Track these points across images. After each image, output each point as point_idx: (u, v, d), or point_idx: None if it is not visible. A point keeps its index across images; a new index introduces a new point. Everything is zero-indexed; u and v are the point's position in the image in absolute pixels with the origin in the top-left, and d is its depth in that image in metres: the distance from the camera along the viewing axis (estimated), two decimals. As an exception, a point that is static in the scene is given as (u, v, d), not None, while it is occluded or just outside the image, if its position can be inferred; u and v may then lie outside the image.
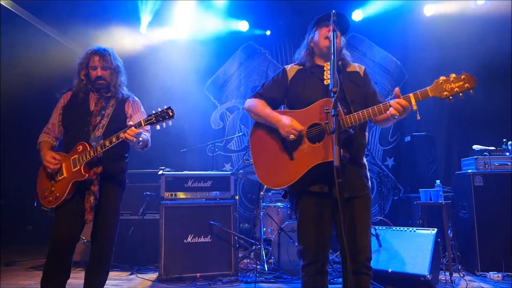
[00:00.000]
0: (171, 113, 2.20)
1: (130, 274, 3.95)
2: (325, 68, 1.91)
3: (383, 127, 5.88)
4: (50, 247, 2.27)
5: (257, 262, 4.19)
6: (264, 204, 4.45)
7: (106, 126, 2.37)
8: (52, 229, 2.29)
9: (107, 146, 2.24)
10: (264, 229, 4.35)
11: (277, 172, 1.97)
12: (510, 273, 3.69)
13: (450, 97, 1.62)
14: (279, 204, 4.48)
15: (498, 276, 3.61)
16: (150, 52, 5.88)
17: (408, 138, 5.27)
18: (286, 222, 4.02)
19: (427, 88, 1.65)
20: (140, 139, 2.26)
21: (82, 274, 2.44)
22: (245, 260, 4.29)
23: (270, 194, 4.79)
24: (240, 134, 5.93)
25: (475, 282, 3.56)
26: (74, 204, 2.31)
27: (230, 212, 3.84)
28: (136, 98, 2.62)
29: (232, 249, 3.74)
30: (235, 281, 3.59)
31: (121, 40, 5.71)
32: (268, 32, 6.32)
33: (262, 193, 4.39)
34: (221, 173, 4.09)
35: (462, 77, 1.60)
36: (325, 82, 1.88)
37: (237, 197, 4.70)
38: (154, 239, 3.79)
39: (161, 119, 2.20)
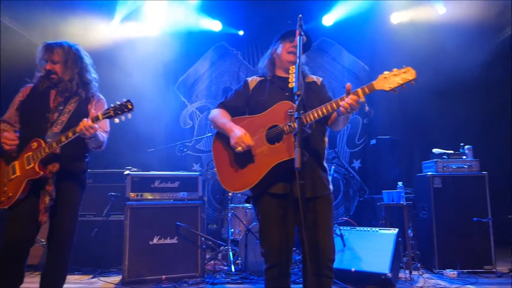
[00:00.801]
0: (130, 106, 2.15)
1: (92, 278, 3.82)
2: (290, 72, 1.95)
3: (351, 131, 6.08)
4: (2, 251, 2.15)
5: (224, 263, 4.19)
6: (232, 205, 4.45)
7: (66, 122, 2.27)
8: (3, 232, 2.16)
9: (63, 141, 2.15)
10: (232, 230, 4.34)
11: (238, 176, 1.99)
12: (464, 270, 3.90)
13: (394, 89, 1.70)
14: (248, 205, 4.49)
15: (453, 274, 3.79)
16: (120, 47, 5.71)
17: (373, 141, 5.44)
18: (254, 223, 4.04)
19: (373, 82, 1.73)
20: (96, 130, 2.17)
21: (38, 279, 2.33)
22: (212, 261, 4.26)
23: (239, 195, 4.78)
24: (210, 134, 5.88)
25: (433, 279, 3.73)
26: (28, 205, 2.19)
27: (197, 213, 3.81)
28: (102, 97, 2.53)
29: (198, 251, 3.71)
30: (201, 282, 3.56)
31: (90, 33, 5.50)
32: (241, 32, 6.32)
33: (230, 194, 4.38)
34: (189, 173, 4.05)
35: (403, 70, 1.69)
36: (290, 85, 1.92)
37: (205, 198, 4.67)
38: (119, 241, 3.69)
39: (119, 112, 2.14)
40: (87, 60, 2.47)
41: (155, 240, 3.61)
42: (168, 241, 3.66)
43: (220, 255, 4.37)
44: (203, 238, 3.77)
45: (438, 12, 5.51)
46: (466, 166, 4.16)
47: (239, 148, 1.93)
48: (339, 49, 6.29)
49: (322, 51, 6.27)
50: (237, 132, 1.96)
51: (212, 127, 2.20)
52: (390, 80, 1.69)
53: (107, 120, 2.29)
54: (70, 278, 3.79)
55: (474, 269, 3.92)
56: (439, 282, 3.62)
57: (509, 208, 4.14)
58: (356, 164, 6.04)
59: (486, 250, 3.96)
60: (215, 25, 6.16)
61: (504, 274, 3.84)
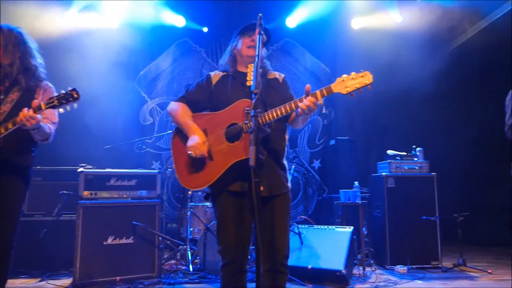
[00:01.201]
0: (76, 95, 2.03)
1: (40, 281, 3.61)
2: (248, 70, 1.96)
3: (312, 131, 6.21)
4: None
5: (182, 263, 4.12)
6: (192, 203, 4.39)
7: (8, 113, 2.11)
8: None
9: (2, 133, 2.01)
10: (191, 229, 4.28)
11: (197, 173, 1.97)
12: (414, 266, 4.11)
13: (351, 93, 1.74)
14: (208, 203, 4.44)
15: (403, 269, 3.99)
16: (77, 37, 5.43)
17: (333, 142, 5.59)
18: (213, 222, 4.00)
19: (331, 85, 1.77)
20: (39, 121, 2.02)
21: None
22: (170, 261, 4.18)
23: (200, 193, 4.73)
24: (170, 131, 5.75)
25: (384, 275, 3.90)
26: None
27: (155, 212, 3.72)
28: (51, 85, 2.36)
29: (156, 250, 3.62)
30: (158, 283, 3.48)
31: (44, 20, 5.17)
32: (205, 29, 6.24)
33: (190, 192, 4.32)
34: (147, 171, 3.93)
35: (361, 74, 1.73)
36: (248, 83, 1.92)
37: (164, 197, 4.57)
38: (70, 242, 3.50)
39: (64, 101, 2.02)
40: (32, 44, 2.30)
41: (109, 240, 3.47)
42: (123, 241, 3.53)
43: (178, 254, 4.29)
44: (160, 238, 3.68)
45: (396, 20, 5.76)
46: (417, 167, 4.39)
47: (192, 154, 1.91)
48: (302, 51, 6.40)
49: (286, 52, 6.35)
50: (196, 138, 1.93)
51: (172, 120, 2.14)
52: (348, 83, 1.73)
53: (55, 111, 2.16)
54: (15, 282, 3.56)
55: (422, 265, 4.15)
56: (390, 277, 3.79)
57: (454, 207, 4.41)
58: (316, 164, 6.18)
59: (433, 247, 4.20)
60: (178, 21, 6.03)
61: (449, 269, 4.10)
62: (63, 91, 2.04)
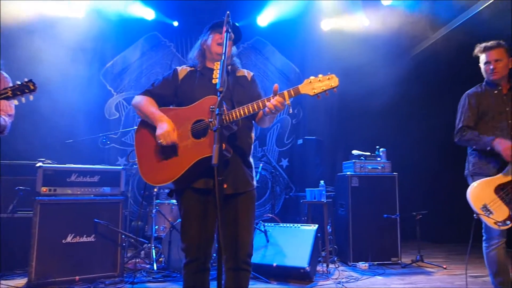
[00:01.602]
0: (32, 87, 1.95)
1: (-9, 281, 3.42)
2: (214, 68, 1.94)
3: (281, 130, 6.27)
4: None
5: (146, 262, 4.04)
6: (158, 201, 4.31)
7: None
8: None
9: None
10: (156, 227, 4.21)
11: (160, 169, 1.93)
12: (375, 263, 4.26)
13: (318, 95, 1.77)
14: (174, 201, 4.38)
15: (365, 266, 4.13)
16: (41, 26, 5.14)
17: (300, 141, 5.68)
18: (179, 220, 3.95)
19: (299, 86, 1.79)
20: None
21: None
22: (133, 260, 4.09)
23: (167, 190, 4.64)
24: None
25: (347, 271, 4.01)
26: None
27: (119, 209, 3.62)
28: (6, 75, 2.24)
29: (118, 249, 3.53)
30: (120, 282, 3.39)
31: (8, 6, 4.87)
32: (175, 23, 6.12)
33: (155, 189, 4.24)
34: (111, 167, 3.82)
35: (328, 77, 1.77)
36: (213, 81, 1.91)
37: (128, 194, 4.46)
38: (27, 240, 3.34)
39: (19, 93, 1.93)
40: None
41: (68, 239, 3.34)
42: (84, 239, 3.41)
43: (142, 253, 4.21)
44: (124, 236, 3.59)
45: (363, 24, 5.91)
46: (380, 167, 4.55)
47: (162, 142, 1.87)
48: (272, 50, 6.44)
49: (256, 50, 6.37)
50: (166, 126, 1.89)
51: (137, 113, 2.07)
52: (315, 85, 1.76)
53: (10, 102, 2.05)
54: (-37, 282, 3.35)
55: (383, 261, 4.32)
56: (352, 273, 3.90)
57: (413, 206, 4.61)
58: (284, 162, 6.26)
59: (394, 244, 4.38)
60: (148, 13, 5.88)
61: (407, 265, 4.28)
62: (18, 82, 1.94)
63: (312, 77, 1.78)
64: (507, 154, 2.40)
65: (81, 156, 4.94)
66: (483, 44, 2.69)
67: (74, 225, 3.37)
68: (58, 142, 4.69)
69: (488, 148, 2.49)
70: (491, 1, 4.64)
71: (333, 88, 1.76)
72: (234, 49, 2.16)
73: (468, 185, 2.61)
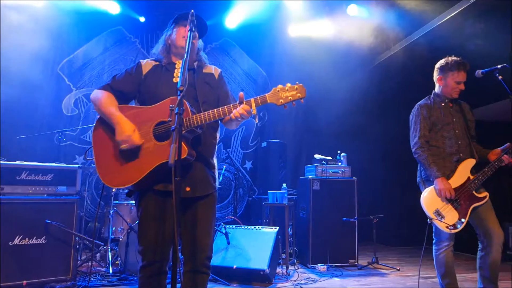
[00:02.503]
0: None
1: None
2: (176, 66, 1.90)
3: (246, 133, 6.28)
4: None
5: (102, 264, 3.89)
6: (116, 201, 4.16)
7: None
8: None
9: None
10: (114, 229, 4.06)
11: (119, 171, 1.86)
12: (333, 264, 4.37)
13: (285, 105, 1.77)
14: (133, 201, 4.25)
15: (323, 267, 4.22)
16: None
17: (264, 144, 5.72)
18: (138, 221, 3.84)
19: (266, 94, 1.78)
20: None
21: None
22: (88, 263, 3.91)
23: (126, 190, 4.49)
24: (97, 124, 5.41)
25: (306, 273, 4.08)
26: None
27: (73, 209, 3.44)
28: None
29: (72, 251, 3.36)
30: (72, 286, 3.24)
31: None
32: (142, 19, 5.95)
33: (114, 190, 4.09)
34: (65, 165, 3.63)
35: (296, 87, 1.77)
36: (174, 80, 1.87)
37: (85, 193, 4.27)
38: (-32, 241, 3.11)
39: None
40: None
41: (16, 241, 3.13)
42: (34, 241, 3.21)
43: (98, 255, 4.04)
44: (77, 238, 3.43)
45: (329, 32, 6.05)
46: (340, 172, 4.68)
47: (124, 146, 1.81)
48: (240, 52, 6.45)
49: (224, 52, 6.35)
50: (126, 129, 1.82)
51: (96, 110, 1.96)
52: (282, 95, 1.75)
53: None
54: None
55: (341, 263, 4.44)
56: (311, 275, 3.97)
57: (371, 210, 4.78)
58: (248, 165, 6.27)
59: (352, 246, 4.51)
60: (112, 7, 5.67)
61: (364, 267, 4.43)
62: None
63: (280, 86, 1.77)
64: (442, 195, 2.55)
65: (35, 154, 4.69)
66: (462, 61, 2.73)
67: (23, 226, 3.17)
68: (8, 138, 4.41)
69: (431, 179, 2.63)
70: (447, 18, 4.94)
71: (300, 99, 1.76)
72: (200, 43, 2.10)
73: (420, 192, 2.75)
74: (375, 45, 5.88)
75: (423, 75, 5.30)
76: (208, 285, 1.99)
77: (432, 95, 2.88)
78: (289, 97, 1.75)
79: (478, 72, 2.65)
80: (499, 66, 2.55)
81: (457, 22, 4.87)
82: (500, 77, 2.53)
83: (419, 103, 2.87)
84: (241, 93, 1.78)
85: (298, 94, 1.75)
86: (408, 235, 6.22)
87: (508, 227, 5.16)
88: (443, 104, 2.80)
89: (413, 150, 2.77)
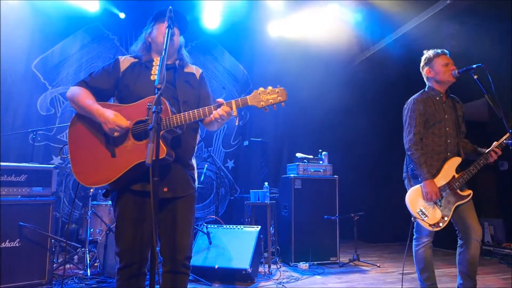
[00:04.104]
0: None
1: None
2: (154, 64, 1.86)
3: (227, 132, 6.25)
4: None
5: (80, 267, 3.79)
6: (94, 202, 4.06)
7: None
8: None
9: None
10: (92, 230, 3.96)
11: (96, 169, 1.80)
12: (315, 262, 4.40)
13: (266, 108, 1.77)
14: (110, 201, 4.16)
15: (305, 265, 4.24)
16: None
17: (246, 143, 5.70)
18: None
19: (247, 96, 1.77)
20: None
21: None
22: (64, 266, 3.80)
23: (104, 191, 4.39)
24: (74, 124, 5.25)
25: (288, 272, 4.09)
26: None
27: (49, 211, 3.34)
28: None
29: (47, 254, 3.26)
30: (48, 290, 3.14)
31: None
32: (122, 15, 5.81)
33: (92, 190, 3.99)
34: (40, 165, 3.51)
35: (277, 90, 1.76)
36: (152, 78, 1.83)
37: (61, 194, 4.15)
38: None
39: None
40: None
41: (-13, 244, 3.02)
42: (7, 244, 3.10)
43: (76, 258, 3.93)
44: (53, 240, 3.33)
45: (308, 32, 6.07)
46: (322, 170, 4.71)
47: (116, 133, 1.76)
48: (221, 50, 6.41)
49: (205, 50, 6.29)
50: (109, 115, 1.76)
51: (73, 107, 1.89)
52: (263, 97, 1.75)
53: None
54: None
55: (322, 261, 4.47)
56: (293, 274, 3.99)
57: (352, 208, 4.83)
58: (230, 164, 6.24)
59: (333, 244, 4.55)
60: (90, 3, 5.51)
61: (345, 264, 4.47)
62: None
63: (261, 89, 1.76)
64: (428, 198, 2.56)
65: (7, 154, 4.52)
66: (434, 50, 2.76)
67: (-5, 229, 3.06)
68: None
69: (419, 179, 2.63)
70: (419, 22, 5.07)
71: (281, 102, 1.76)
72: (181, 39, 2.06)
73: (404, 188, 2.76)
74: (355, 44, 5.95)
75: (403, 74, 5.42)
76: (190, 286, 1.97)
77: (426, 89, 2.82)
78: (270, 100, 1.75)
79: (455, 72, 2.69)
80: (474, 66, 2.59)
81: (429, 25, 5.01)
82: (475, 76, 2.57)
83: (414, 97, 2.80)
84: (221, 99, 1.77)
85: (279, 98, 1.75)
86: (387, 233, 6.34)
87: (483, 222, 5.33)
88: (437, 99, 2.76)
89: (406, 146, 2.74)
